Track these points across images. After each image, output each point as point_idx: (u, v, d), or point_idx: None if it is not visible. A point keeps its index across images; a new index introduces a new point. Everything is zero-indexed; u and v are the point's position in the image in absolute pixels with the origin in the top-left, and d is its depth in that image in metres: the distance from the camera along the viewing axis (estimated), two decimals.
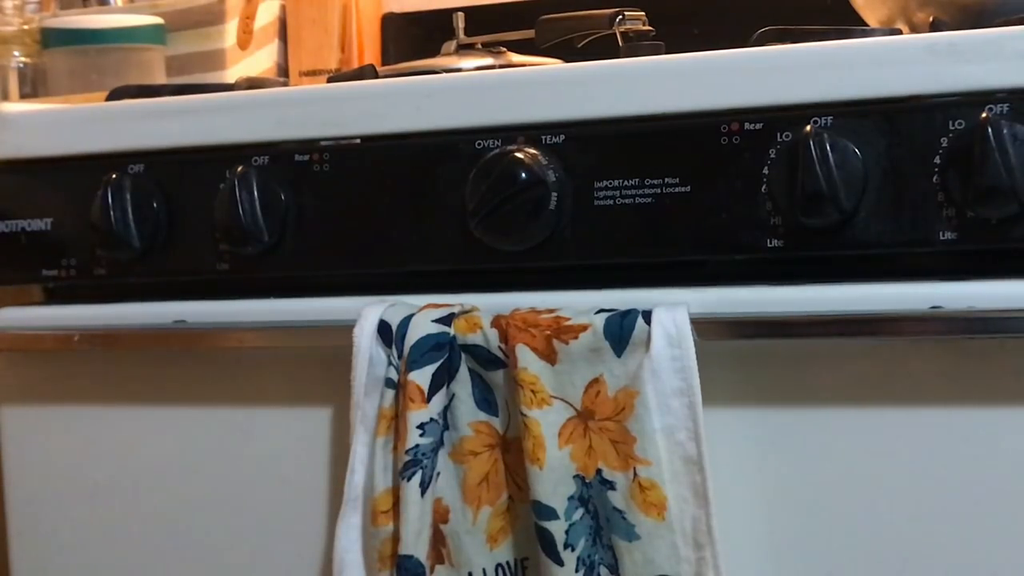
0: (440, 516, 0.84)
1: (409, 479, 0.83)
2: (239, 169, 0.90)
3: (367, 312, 0.86)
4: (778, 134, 0.79)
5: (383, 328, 0.86)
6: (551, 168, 0.83)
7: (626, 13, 1.11)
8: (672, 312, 0.80)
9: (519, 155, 0.83)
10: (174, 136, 0.94)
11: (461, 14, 1.24)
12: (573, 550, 0.81)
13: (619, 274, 0.84)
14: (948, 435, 0.78)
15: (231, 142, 0.92)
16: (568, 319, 0.81)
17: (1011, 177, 0.73)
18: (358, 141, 0.89)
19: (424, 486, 0.83)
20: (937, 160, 0.76)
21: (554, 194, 0.83)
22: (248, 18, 1.40)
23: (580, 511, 0.81)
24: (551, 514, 0.81)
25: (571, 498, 0.81)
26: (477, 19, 1.25)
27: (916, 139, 0.76)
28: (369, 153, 0.89)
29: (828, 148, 0.76)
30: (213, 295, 0.94)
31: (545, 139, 0.84)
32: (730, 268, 0.83)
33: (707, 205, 0.80)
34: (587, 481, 0.81)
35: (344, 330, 0.87)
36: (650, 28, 1.11)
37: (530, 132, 0.84)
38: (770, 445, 0.82)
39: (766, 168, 0.79)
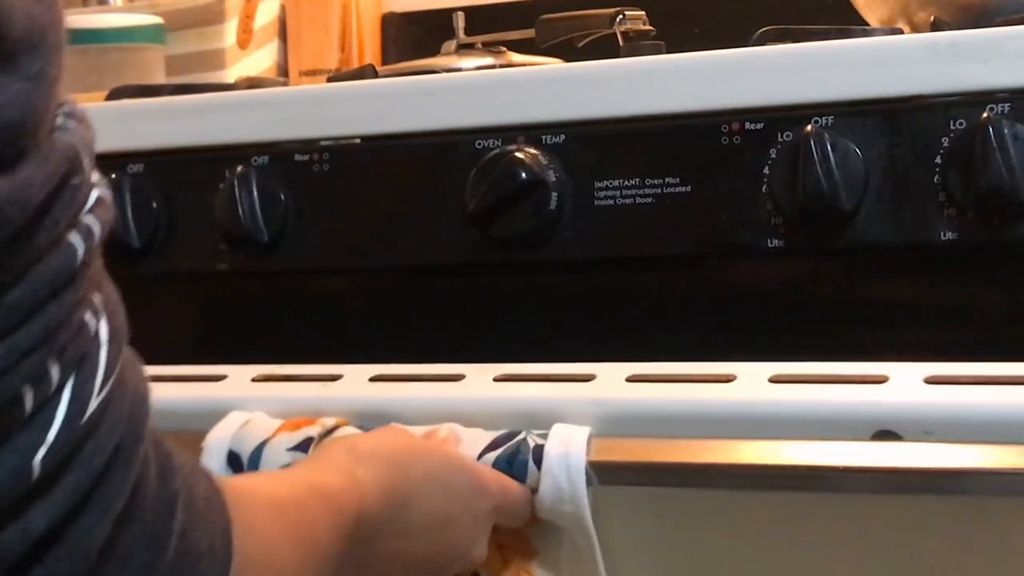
0: None
1: None
2: (239, 169, 0.90)
3: (214, 438, 0.79)
4: (779, 134, 0.78)
5: (233, 460, 0.78)
6: (551, 168, 0.83)
7: (626, 13, 1.11)
8: (566, 457, 0.72)
9: (519, 155, 0.83)
10: (174, 136, 0.94)
11: (461, 14, 1.24)
12: None
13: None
14: None
15: (231, 142, 0.92)
16: None
17: (1012, 177, 0.73)
18: (358, 141, 0.89)
19: None
20: (938, 160, 0.75)
21: (554, 194, 0.83)
22: (248, 18, 1.40)
23: None
24: None
25: None
26: (477, 19, 1.25)
27: (917, 139, 0.76)
28: (369, 153, 0.89)
29: (829, 148, 0.76)
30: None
31: (545, 139, 0.84)
32: (730, 266, 0.82)
33: (708, 205, 0.80)
34: None
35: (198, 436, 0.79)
36: (650, 28, 1.11)
37: (530, 132, 0.84)
38: None
39: (767, 168, 0.79)
